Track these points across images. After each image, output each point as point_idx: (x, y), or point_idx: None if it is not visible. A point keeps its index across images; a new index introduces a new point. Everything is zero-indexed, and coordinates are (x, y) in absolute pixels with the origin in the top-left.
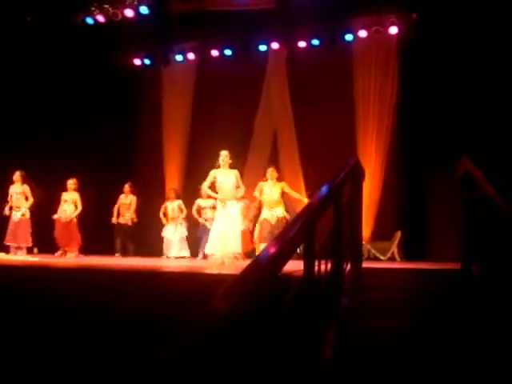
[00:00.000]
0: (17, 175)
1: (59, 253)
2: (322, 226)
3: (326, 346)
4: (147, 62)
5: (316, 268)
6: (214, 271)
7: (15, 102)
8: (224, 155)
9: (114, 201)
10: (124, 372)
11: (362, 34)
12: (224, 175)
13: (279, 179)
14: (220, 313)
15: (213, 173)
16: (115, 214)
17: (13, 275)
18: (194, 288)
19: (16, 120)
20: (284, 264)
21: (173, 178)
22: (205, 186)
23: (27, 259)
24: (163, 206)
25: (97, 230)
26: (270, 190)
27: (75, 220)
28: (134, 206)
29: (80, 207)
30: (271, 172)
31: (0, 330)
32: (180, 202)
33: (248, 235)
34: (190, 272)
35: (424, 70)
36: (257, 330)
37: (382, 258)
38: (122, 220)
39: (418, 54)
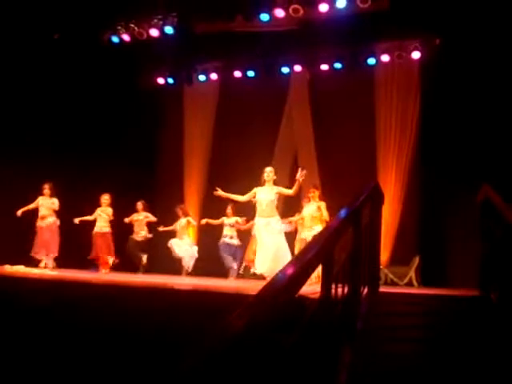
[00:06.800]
0: (46, 188)
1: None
2: (340, 248)
3: (341, 369)
4: (170, 81)
5: (333, 291)
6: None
7: (39, 118)
8: (268, 171)
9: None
10: None
11: (385, 58)
12: (264, 192)
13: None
14: (235, 330)
15: (254, 190)
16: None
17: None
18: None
19: (37, 136)
20: (301, 286)
21: (192, 198)
22: (241, 197)
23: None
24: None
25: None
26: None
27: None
28: (146, 220)
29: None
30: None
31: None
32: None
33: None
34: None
35: (446, 95)
36: (272, 351)
37: (399, 282)
38: (137, 237)
39: (440, 80)
